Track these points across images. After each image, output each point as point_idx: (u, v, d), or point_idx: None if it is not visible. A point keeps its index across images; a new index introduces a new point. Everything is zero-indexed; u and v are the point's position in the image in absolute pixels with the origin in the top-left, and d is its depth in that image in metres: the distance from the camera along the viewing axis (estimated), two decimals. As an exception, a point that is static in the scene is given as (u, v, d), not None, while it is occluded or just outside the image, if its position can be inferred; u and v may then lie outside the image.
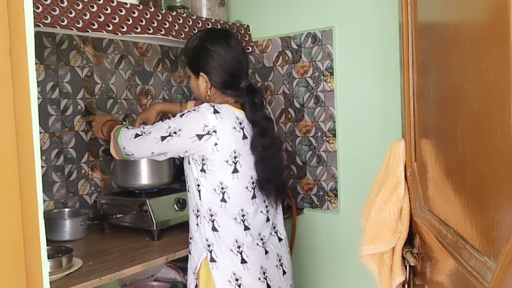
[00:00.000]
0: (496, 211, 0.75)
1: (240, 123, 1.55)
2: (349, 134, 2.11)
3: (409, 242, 1.37)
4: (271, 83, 2.34)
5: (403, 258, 1.36)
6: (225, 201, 1.53)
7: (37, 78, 1.80)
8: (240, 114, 1.57)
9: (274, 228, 1.67)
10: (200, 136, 1.49)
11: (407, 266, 1.36)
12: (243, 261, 1.52)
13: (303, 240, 2.26)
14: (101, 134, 1.80)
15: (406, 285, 1.39)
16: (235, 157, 1.52)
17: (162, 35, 1.92)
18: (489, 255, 0.77)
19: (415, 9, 1.31)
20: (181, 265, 2.28)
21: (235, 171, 1.52)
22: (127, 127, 1.64)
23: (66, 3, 1.59)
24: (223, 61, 1.60)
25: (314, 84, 2.18)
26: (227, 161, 1.51)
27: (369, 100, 2.04)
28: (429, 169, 1.19)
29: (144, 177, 1.92)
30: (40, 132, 1.91)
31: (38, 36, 1.88)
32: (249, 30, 2.38)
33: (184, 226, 1.92)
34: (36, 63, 1.57)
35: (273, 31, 2.31)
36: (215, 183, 1.52)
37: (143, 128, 1.58)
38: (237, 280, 1.50)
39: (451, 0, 1.00)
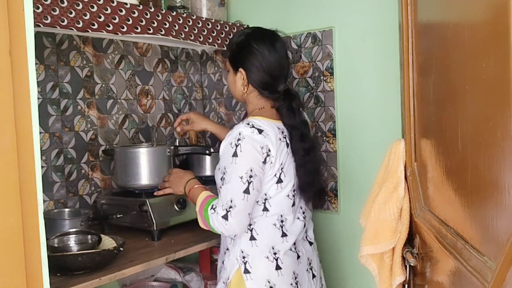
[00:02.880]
0: (496, 211, 0.75)
1: (282, 132, 1.55)
2: (349, 134, 2.11)
3: (409, 242, 1.37)
4: (271, 83, 2.34)
5: (403, 258, 1.36)
6: (267, 210, 1.53)
7: (37, 78, 1.80)
8: (279, 124, 1.56)
9: (306, 232, 1.68)
10: (264, 162, 1.49)
11: (407, 266, 1.36)
12: (278, 267, 1.52)
13: (303, 240, 2.26)
14: (183, 191, 1.71)
15: (406, 285, 1.39)
16: (281, 169, 1.52)
17: (162, 35, 1.92)
18: (489, 255, 0.77)
19: (415, 9, 1.31)
20: (181, 265, 2.28)
21: (279, 181, 1.52)
22: (210, 204, 1.52)
23: (66, 3, 1.59)
24: (265, 61, 1.58)
25: (314, 84, 2.18)
26: (275, 175, 1.52)
27: (369, 100, 2.03)
28: (429, 169, 1.19)
29: (144, 177, 1.92)
30: (40, 132, 1.91)
31: (38, 36, 1.88)
32: (249, 30, 2.38)
33: (184, 226, 1.93)
34: (36, 63, 1.57)
35: (273, 31, 2.31)
36: (260, 196, 1.52)
37: (222, 203, 1.48)
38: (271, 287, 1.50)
39: (451, 0, 1.00)
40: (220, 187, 1.52)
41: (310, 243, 1.69)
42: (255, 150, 1.46)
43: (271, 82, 1.60)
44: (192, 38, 2.08)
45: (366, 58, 2.03)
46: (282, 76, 1.63)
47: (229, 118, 2.53)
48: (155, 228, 1.81)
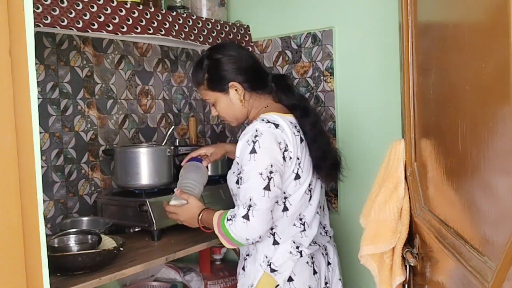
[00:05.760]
0: (496, 211, 0.75)
1: (295, 127, 1.52)
2: (349, 134, 2.11)
3: (409, 242, 1.37)
4: (271, 83, 2.34)
5: (403, 258, 1.36)
6: (286, 210, 1.50)
7: (37, 78, 1.80)
8: (291, 118, 1.54)
9: (324, 228, 1.68)
10: (284, 158, 1.45)
11: (407, 266, 1.36)
12: (300, 255, 1.52)
13: (303, 240, 2.26)
14: (197, 224, 1.60)
15: (406, 285, 1.39)
16: (299, 164, 1.49)
17: (162, 35, 1.92)
18: (489, 255, 0.77)
19: (415, 9, 1.31)
20: (181, 265, 2.28)
21: (297, 177, 1.49)
22: (224, 218, 1.45)
23: (66, 3, 1.59)
24: (241, 61, 1.56)
25: (314, 84, 2.18)
26: (293, 170, 1.48)
27: (369, 100, 2.04)
28: (429, 169, 1.19)
29: (144, 177, 1.92)
30: (40, 132, 1.91)
31: (38, 36, 1.88)
32: (249, 30, 2.38)
33: (184, 226, 1.92)
34: (36, 63, 1.57)
35: (273, 31, 2.31)
36: (280, 194, 1.48)
37: (239, 203, 1.43)
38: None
39: (451, 0, 1.00)
40: (238, 187, 1.48)
41: (330, 237, 1.70)
42: (274, 145, 1.42)
43: (259, 77, 1.60)
44: (192, 38, 2.08)
45: (366, 58, 2.03)
46: (261, 66, 1.66)
47: (229, 118, 2.53)
48: (155, 228, 1.81)
